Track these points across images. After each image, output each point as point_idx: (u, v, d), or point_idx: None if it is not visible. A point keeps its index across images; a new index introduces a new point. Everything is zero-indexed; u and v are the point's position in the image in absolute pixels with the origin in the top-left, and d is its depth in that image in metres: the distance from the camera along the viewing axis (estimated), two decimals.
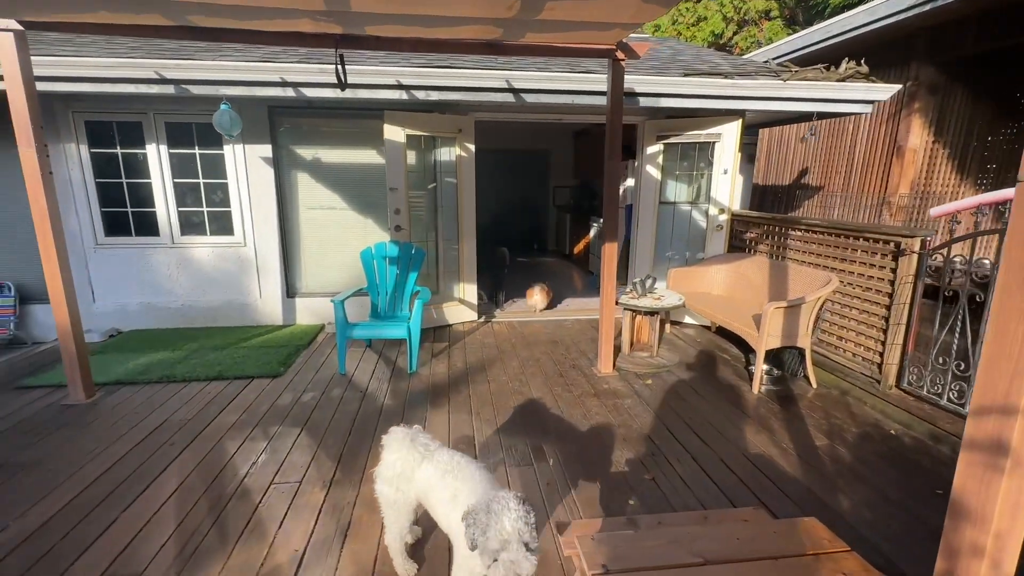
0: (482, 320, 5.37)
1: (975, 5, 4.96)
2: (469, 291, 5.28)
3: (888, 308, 3.39)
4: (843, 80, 4.41)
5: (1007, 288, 1.06)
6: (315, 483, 2.52)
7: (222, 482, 2.52)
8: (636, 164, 5.39)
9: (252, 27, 2.79)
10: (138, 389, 3.62)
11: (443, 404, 3.40)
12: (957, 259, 3.03)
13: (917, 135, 5.80)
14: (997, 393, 1.08)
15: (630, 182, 6.64)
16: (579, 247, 8.78)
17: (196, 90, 3.85)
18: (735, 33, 12.47)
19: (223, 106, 3.93)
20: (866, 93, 4.43)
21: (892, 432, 3.04)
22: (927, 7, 5.01)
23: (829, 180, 7.06)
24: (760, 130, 8.57)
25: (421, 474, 1.75)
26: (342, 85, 3.16)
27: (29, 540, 2.10)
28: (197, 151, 4.78)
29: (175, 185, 4.82)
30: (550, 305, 5.88)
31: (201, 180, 4.85)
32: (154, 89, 3.81)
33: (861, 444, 2.91)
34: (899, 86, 4.58)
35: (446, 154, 4.93)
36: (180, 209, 4.87)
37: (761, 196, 8.72)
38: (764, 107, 4.53)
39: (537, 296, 5.74)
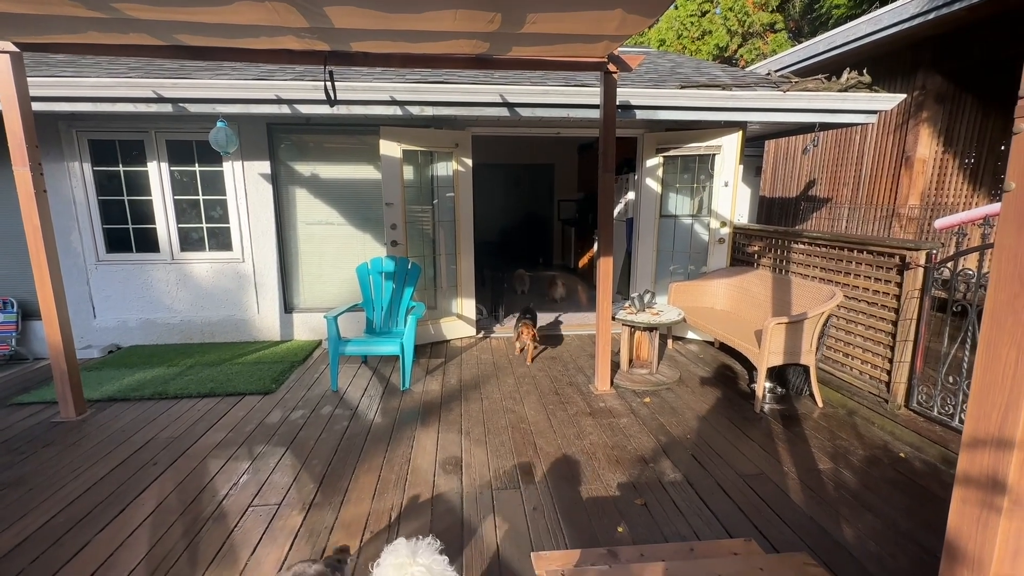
0: (481, 336, 5.30)
1: (981, 12, 4.86)
2: (467, 306, 5.22)
3: (895, 324, 3.25)
4: (845, 90, 4.33)
5: (995, 312, 0.97)
6: (294, 506, 2.45)
7: (200, 504, 2.46)
8: (636, 177, 5.33)
9: (239, 45, 2.81)
10: (130, 406, 3.60)
11: (433, 423, 3.32)
12: (964, 272, 2.90)
13: (926, 145, 5.67)
14: (991, 425, 0.98)
15: (631, 195, 6.57)
16: (583, 260, 8.71)
17: (193, 108, 3.90)
18: (740, 46, 12.45)
19: (219, 124, 3.97)
20: (869, 103, 4.34)
21: (902, 456, 2.89)
22: (932, 16, 4.92)
23: (837, 191, 6.92)
24: (766, 142, 8.48)
25: None
26: (331, 101, 3.16)
27: None
28: (197, 168, 4.83)
29: (175, 202, 4.86)
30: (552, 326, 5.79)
31: (201, 196, 4.89)
32: (152, 108, 3.86)
33: (868, 468, 2.77)
34: (903, 95, 4.47)
35: (443, 169, 4.91)
36: (180, 225, 4.91)
37: (768, 208, 8.58)
38: (764, 118, 4.46)
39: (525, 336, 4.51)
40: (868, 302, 3.50)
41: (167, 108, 3.87)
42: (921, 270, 3.03)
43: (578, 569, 1.47)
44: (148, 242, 4.91)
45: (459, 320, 5.20)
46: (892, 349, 3.29)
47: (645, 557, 1.64)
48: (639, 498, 2.50)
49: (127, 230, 4.88)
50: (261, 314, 5.07)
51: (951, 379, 3.01)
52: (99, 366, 4.34)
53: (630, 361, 4.20)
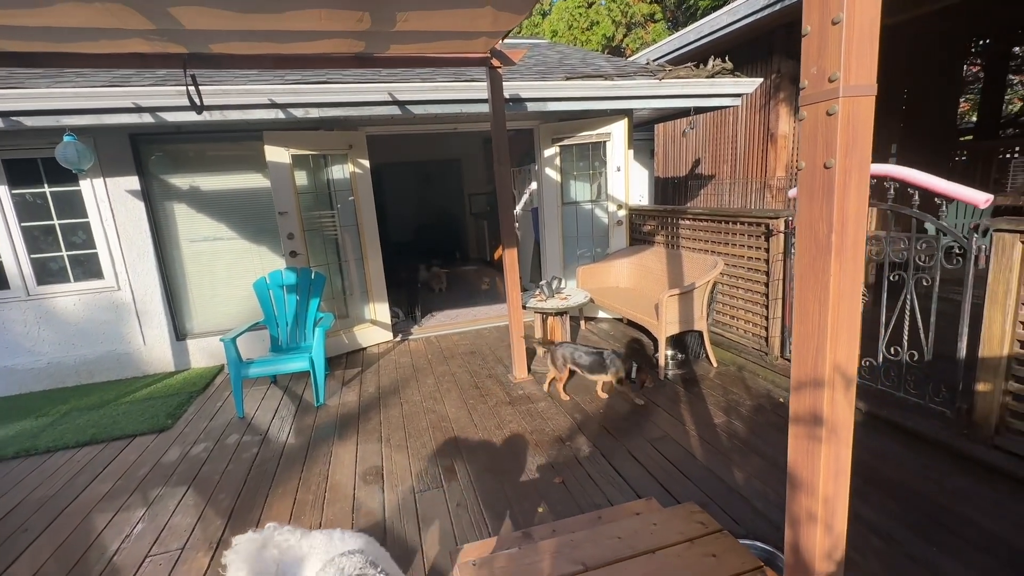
0: (398, 339, 5.20)
1: None
2: (381, 311, 5.10)
3: (767, 285, 3.65)
4: (712, 76, 4.73)
5: (802, 273, 1.13)
6: (199, 547, 2.28)
7: (85, 565, 2.21)
8: (536, 167, 5.48)
9: (77, 50, 2.50)
10: None
11: (351, 435, 3.23)
12: None
13: (785, 122, 6.36)
14: (808, 368, 1.15)
15: (535, 185, 6.74)
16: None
17: (31, 122, 3.41)
18: (624, 36, 13.13)
19: (67, 138, 3.51)
20: (733, 87, 4.78)
21: (781, 401, 3.27)
22: (777, 7, 5.51)
23: (718, 168, 7.58)
24: (655, 126, 9.05)
25: None
26: (198, 108, 2.91)
27: None
28: (47, 189, 4.23)
29: (24, 229, 4.24)
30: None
31: (56, 221, 4.30)
32: None
33: (755, 416, 3.10)
34: (761, 79, 4.98)
35: (340, 172, 4.72)
36: (33, 256, 4.29)
37: (663, 188, 9.20)
38: (645, 105, 4.76)
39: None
40: (745, 268, 3.90)
41: None
42: (782, 236, 3.43)
43: (491, 556, 1.52)
44: None
45: (373, 326, 5.07)
46: (767, 308, 3.70)
47: (556, 532, 1.73)
48: (557, 476, 2.61)
49: None
50: (148, 345, 4.60)
51: None
52: None
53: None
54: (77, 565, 2.21)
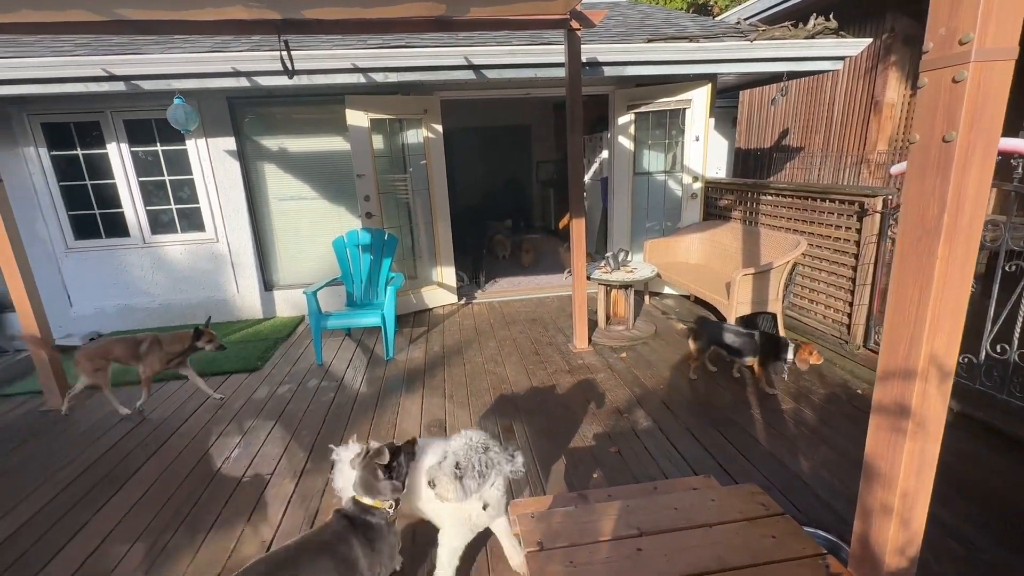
0: (462, 302, 5.37)
1: None
2: (447, 274, 5.27)
3: (855, 269, 3.39)
4: (812, 37, 4.30)
5: (903, 254, 1.05)
6: (285, 474, 2.56)
7: (194, 478, 2.56)
8: (609, 135, 5.31)
9: (186, 17, 2.70)
10: (116, 391, 3.63)
11: (418, 389, 3.43)
12: None
13: (894, 89, 5.70)
14: (899, 358, 1.09)
15: (606, 154, 6.54)
16: (564, 222, 8.72)
17: (147, 85, 3.76)
18: None
19: (177, 100, 3.84)
20: (835, 49, 4.33)
21: (859, 392, 3.08)
22: None
23: (809, 140, 6.97)
24: (741, 92, 8.42)
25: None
26: (289, 72, 3.08)
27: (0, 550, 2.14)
28: (159, 148, 4.69)
29: (141, 184, 4.75)
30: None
31: (167, 177, 4.78)
32: (104, 87, 3.72)
33: (827, 405, 2.95)
34: (870, 40, 4.46)
35: (414, 136, 4.84)
36: (148, 208, 4.81)
37: (744, 160, 8.62)
38: (732, 69, 4.44)
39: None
40: (831, 249, 3.63)
41: (120, 87, 3.73)
42: (878, 216, 3.14)
43: (549, 511, 1.60)
44: (117, 227, 4.82)
45: (440, 288, 5.26)
46: (852, 293, 3.44)
47: (611, 497, 1.78)
48: (613, 446, 2.65)
49: (94, 215, 4.78)
50: (241, 294, 5.07)
51: None
52: None
53: (607, 318, 4.32)
54: (187, 479, 2.57)
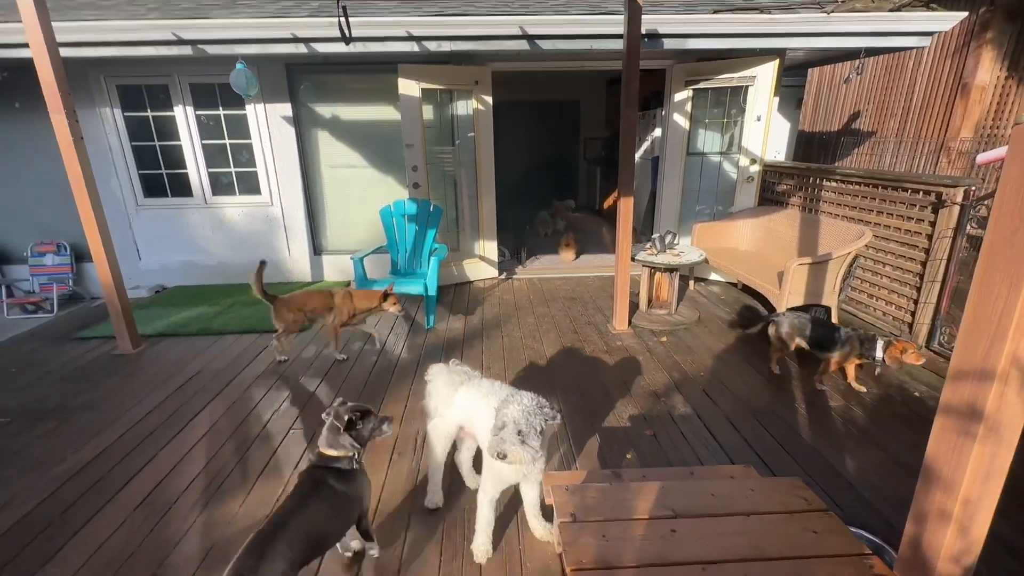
0: (503, 277, 5.40)
1: None
2: (489, 248, 5.29)
3: (924, 264, 3.16)
4: (897, 9, 3.95)
5: (993, 246, 0.97)
6: None
7: (247, 426, 2.74)
8: (663, 112, 5.11)
9: None
10: (179, 341, 3.91)
11: (456, 359, 3.49)
12: None
13: (987, 69, 5.17)
14: (976, 356, 1.01)
15: (658, 132, 6.32)
16: (609, 201, 8.55)
17: (212, 50, 3.89)
18: None
19: (239, 65, 3.97)
20: (925, 23, 3.95)
21: (916, 395, 2.91)
22: None
23: (883, 124, 6.47)
24: (809, 70, 7.87)
25: (461, 398, 1.90)
26: (346, 39, 3.11)
27: (83, 472, 2.37)
28: (221, 112, 4.88)
29: (204, 146, 4.97)
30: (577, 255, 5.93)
31: (227, 141, 4.98)
32: (173, 51, 3.88)
33: (879, 406, 2.81)
34: (965, 14, 4.04)
35: (463, 108, 4.82)
36: (210, 170, 5.04)
37: (807, 144, 8.12)
38: (805, 44, 4.14)
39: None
40: (898, 242, 3.39)
41: (187, 50, 3.88)
42: (957, 208, 2.90)
43: (583, 485, 1.61)
44: (181, 187, 5.09)
45: (481, 262, 5.29)
46: (919, 290, 3.22)
47: (646, 478, 1.77)
48: (649, 429, 2.63)
49: (161, 175, 5.05)
50: (292, 256, 5.28)
51: None
52: (148, 304, 4.67)
53: (649, 301, 4.24)
54: (241, 426, 2.74)
